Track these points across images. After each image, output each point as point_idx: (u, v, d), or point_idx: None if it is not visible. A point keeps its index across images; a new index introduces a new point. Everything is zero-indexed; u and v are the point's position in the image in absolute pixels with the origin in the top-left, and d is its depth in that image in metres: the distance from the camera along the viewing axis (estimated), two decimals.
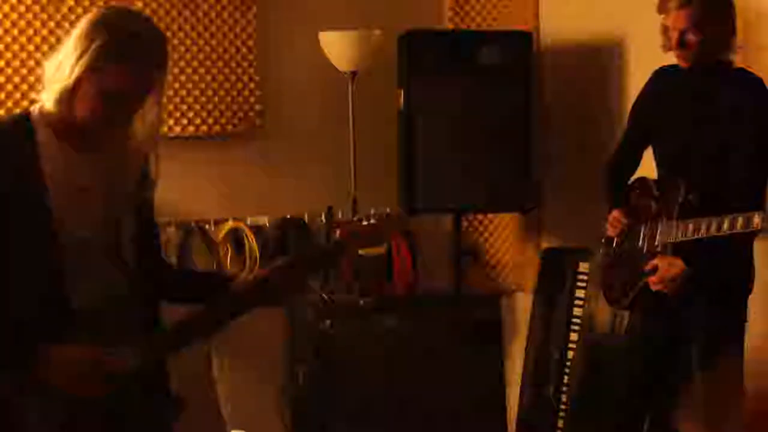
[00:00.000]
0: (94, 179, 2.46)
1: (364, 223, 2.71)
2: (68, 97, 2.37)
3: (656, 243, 3.57)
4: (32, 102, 2.49)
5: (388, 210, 2.88)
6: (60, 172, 2.41)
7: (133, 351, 2.42)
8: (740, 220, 3.21)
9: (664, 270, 3.49)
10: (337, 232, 2.75)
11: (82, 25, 2.39)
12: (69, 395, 2.36)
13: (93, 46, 2.34)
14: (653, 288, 3.53)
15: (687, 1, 3.41)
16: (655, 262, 3.53)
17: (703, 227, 3.34)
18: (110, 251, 2.49)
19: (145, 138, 2.50)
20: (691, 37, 3.44)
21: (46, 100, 2.40)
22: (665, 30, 3.49)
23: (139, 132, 2.48)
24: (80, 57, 2.34)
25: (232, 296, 2.62)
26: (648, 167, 3.79)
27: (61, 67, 2.37)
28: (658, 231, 3.57)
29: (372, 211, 2.80)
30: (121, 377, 2.39)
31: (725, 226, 3.26)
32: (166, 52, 2.45)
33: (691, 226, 3.40)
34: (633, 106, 3.83)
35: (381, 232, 2.76)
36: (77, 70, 2.35)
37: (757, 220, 3.17)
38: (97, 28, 2.37)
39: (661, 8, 3.49)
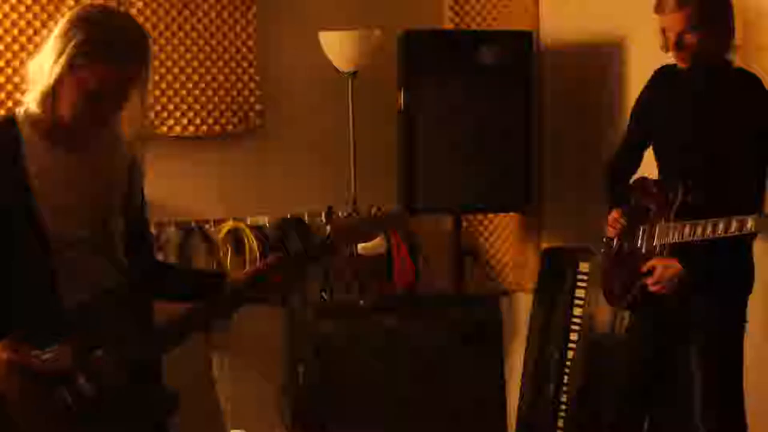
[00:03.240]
0: (81, 178, 2.46)
1: (355, 218, 2.72)
2: (50, 97, 2.37)
3: (654, 244, 3.57)
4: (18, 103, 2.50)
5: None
6: (46, 173, 2.41)
7: (65, 351, 2.38)
8: (734, 223, 3.22)
9: (661, 271, 3.50)
10: (328, 228, 2.76)
11: (61, 24, 2.39)
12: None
13: (70, 46, 2.34)
14: (650, 289, 3.53)
15: (683, 2, 3.40)
16: (652, 263, 3.53)
17: (699, 229, 3.35)
18: (101, 249, 2.49)
19: (132, 136, 2.50)
20: (688, 38, 3.44)
21: (30, 101, 2.40)
22: (663, 31, 3.49)
23: (125, 130, 2.48)
24: (58, 57, 2.34)
25: (223, 293, 2.62)
26: (649, 167, 3.79)
27: (41, 68, 2.37)
28: (656, 232, 3.57)
29: (372, 209, 2.81)
30: (51, 378, 2.36)
31: (720, 228, 3.26)
32: (147, 49, 2.44)
33: (687, 228, 3.41)
34: (634, 106, 3.83)
35: (373, 227, 2.76)
36: (56, 71, 2.34)
37: (750, 223, 3.18)
38: (73, 27, 2.36)
39: (658, 9, 3.49)
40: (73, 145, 2.45)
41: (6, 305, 2.38)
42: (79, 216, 2.46)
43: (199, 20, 4.59)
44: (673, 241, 3.48)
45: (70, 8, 4.29)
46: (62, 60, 2.34)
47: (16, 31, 4.24)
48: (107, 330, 2.41)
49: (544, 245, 5.18)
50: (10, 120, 2.45)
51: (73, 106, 2.37)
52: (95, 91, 2.35)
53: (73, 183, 2.45)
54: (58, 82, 2.35)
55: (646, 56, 3.92)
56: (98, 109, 2.39)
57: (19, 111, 2.46)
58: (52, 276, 2.41)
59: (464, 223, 5.07)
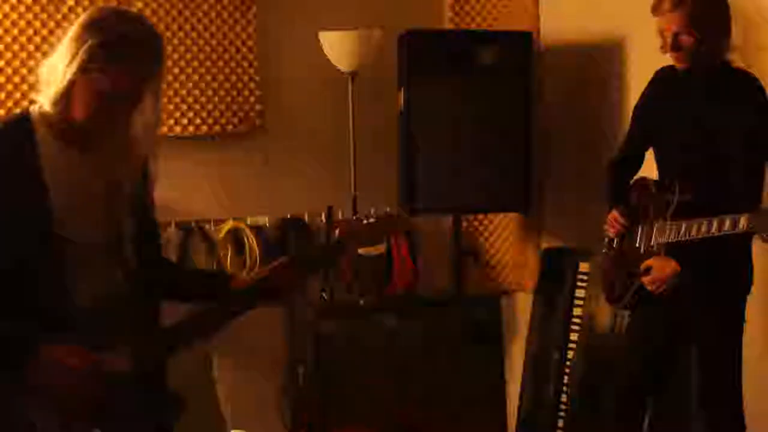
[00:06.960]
0: (93, 179, 2.47)
1: (364, 221, 2.72)
2: (64, 99, 2.37)
3: (652, 243, 3.58)
4: (32, 102, 2.49)
5: (388, 209, 2.87)
6: (59, 173, 2.42)
7: (130, 351, 2.41)
8: (727, 222, 3.23)
9: (658, 270, 3.51)
10: (337, 231, 2.75)
11: (75, 27, 2.40)
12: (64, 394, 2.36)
13: (83, 48, 2.35)
14: (648, 288, 3.54)
15: (678, 3, 3.41)
16: (649, 262, 3.54)
17: (693, 228, 3.36)
18: (110, 251, 2.49)
19: (144, 138, 2.50)
20: (684, 39, 3.44)
21: (44, 102, 2.41)
22: (660, 32, 3.49)
23: (138, 132, 2.48)
24: (72, 59, 2.35)
25: (233, 295, 2.62)
26: (649, 167, 3.80)
27: (55, 70, 2.38)
28: (654, 231, 3.58)
29: (373, 210, 2.80)
30: (119, 378, 2.39)
31: (714, 227, 3.27)
32: (161, 52, 2.45)
33: (683, 227, 3.41)
34: (635, 107, 3.84)
35: (380, 231, 2.77)
36: (69, 73, 2.35)
37: (743, 222, 3.19)
38: (87, 29, 2.37)
39: (655, 10, 3.49)
40: (86, 146, 2.46)
41: (17, 304, 2.38)
42: (90, 216, 2.47)
43: (199, 20, 4.60)
44: (669, 240, 3.48)
45: (70, 8, 4.30)
46: (75, 63, 2.35)
47: (16, 31, 4.24)
48: (115, 331, 2.42)
49: (544, 245, 5.18)
50: (26, 118, 2.46)
51: (86, 107, 2.38)
52: (108, 93, 2.36)
53: (86, 184, 2.46)
54: (71, 84, 2.36)
55: (646, 56, 3.92)
56: (111, 110, 2.40)
57: (34, 109, 2.46)
58: (61, 276, 2.41)
59: (464, 223, 5.08)
